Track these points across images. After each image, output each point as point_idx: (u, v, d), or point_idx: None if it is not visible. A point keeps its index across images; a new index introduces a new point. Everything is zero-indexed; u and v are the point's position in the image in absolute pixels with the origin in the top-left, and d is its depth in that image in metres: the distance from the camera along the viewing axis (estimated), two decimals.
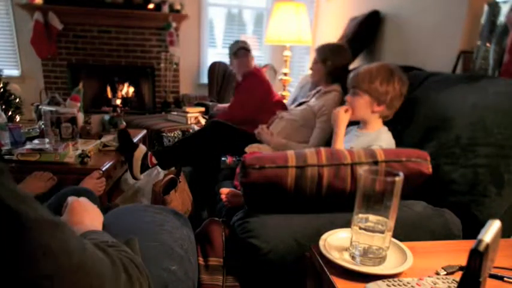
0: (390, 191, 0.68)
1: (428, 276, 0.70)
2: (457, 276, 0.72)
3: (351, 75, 1.39)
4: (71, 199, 0.84)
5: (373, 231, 0.71)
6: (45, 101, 2.22)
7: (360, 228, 0.72)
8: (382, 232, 0.70)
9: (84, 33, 4.05)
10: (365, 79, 1.32)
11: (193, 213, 1.92)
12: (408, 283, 0.66)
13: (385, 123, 1.40)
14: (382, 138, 1.33)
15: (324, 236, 0.82)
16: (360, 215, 0.72)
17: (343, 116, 1.37)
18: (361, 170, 0.70)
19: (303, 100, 2.05)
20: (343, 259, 0.74)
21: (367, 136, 1.36)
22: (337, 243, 0.80)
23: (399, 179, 0.67)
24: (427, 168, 0.94)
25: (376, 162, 0.94)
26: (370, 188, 0.69)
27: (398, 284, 0.66)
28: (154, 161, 1.99)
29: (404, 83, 1.34)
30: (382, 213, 0.70)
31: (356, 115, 1.38)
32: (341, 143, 1.38)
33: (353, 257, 0.74)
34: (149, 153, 1.96)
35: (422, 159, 0.94)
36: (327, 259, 0.74)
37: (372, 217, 0.71)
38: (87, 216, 0.81)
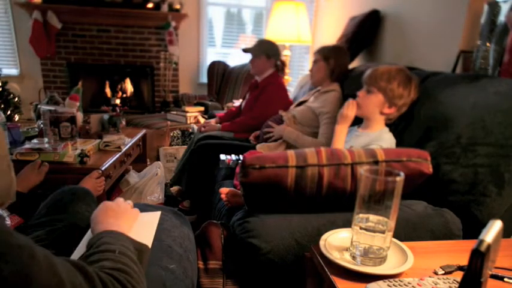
0: (391, 191, 0.67)
1: (429, 277, 0.70)
2: (455, 275, 0.72)
3: (368, 72, 1.35)
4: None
5: (373, 231, 0.71)
6: (44, 100, 2.21)
7: (361, 228, 0.72)
8: (382, 232, 0.70)
9: (83, 33, 4.04)
10: (383, 77, 1.29)
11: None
12: (409, 283, 0.66)
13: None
14: (383, 139, 1.32)
15: (324, 236, 0.82)
16: (361, 215, 0.71)
17: (351, 113, 1.35)
18: (362, 170, 0.70)
19: (302, 99, 2.05)
20: (343, 259, 0.74)
21: (368, 136, 1.36)
22: (338, 243, 0.80)
23: (400, 178, 0.67)
24: (428, 168, 0.94)
25: (376, 162, 0.93)
26: (371, 188, 0.68)
27: (399, 285, 0.66)
28: (186, 204, 2.12)
29: (418, 92, 1.32)
30: (382, 213, 0.69)
31: (363, 111, 1.35)
32: (342, 141, 1.37)
33: (354, 257, 0.74)
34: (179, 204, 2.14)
35: (422, 159, 0.94)
36: (327, 259, 0.74)
37: (373, 217, 0.70)
38: (119, 218, 0.83)
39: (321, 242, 0.79)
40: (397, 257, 0.76)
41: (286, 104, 2.26)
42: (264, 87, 2.31)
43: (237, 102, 3.21)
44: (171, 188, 2.30)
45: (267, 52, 2.29)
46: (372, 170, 0.69)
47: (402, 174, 0.68)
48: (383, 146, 1.28)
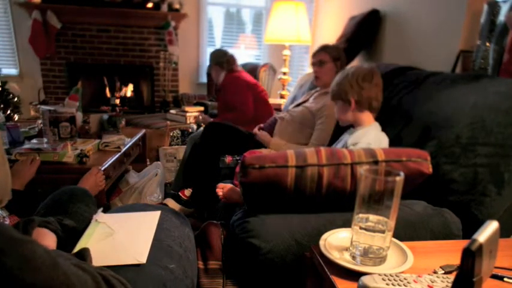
0: (391, 191, 0.67)
1: (428, 274, 0.70)
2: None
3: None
4: None
5: (373, 231, 0.71)
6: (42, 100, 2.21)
7: (361, 228, 0.72)
8: (382, 232, 0.70)
9: (83, 32, 4.03)
10: (331, 89, 1.45)
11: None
12: (405, 279, 0.65)
13: (384, 122, 1.40)
14: (369, 135, 1.33)
15: (324, 236, 0.82)
16: (361, 215, 0.71)
17: None
18: (362, 170, 0.70)
19: (301, 100, 2.05)
20: (343, 259, 0.74)
21: (357, 132, 1.37)
22: (338, 243, 0.80)
23: (400, 178, 0.67)
24: (428, 167, 0.94)
25: (376, 162, 0.93)
26: (371, 188, 0.68)
27: (395, 279, 0.65)
28: (187, 193, 2.12)
29: (360, 74, 1.36)
30: (382, 213, 0.69)
31: (342, 120, 1.47)
32: None
33: (353, 257, 0.74)
34: (180, 192, 2.11)
35: (422, 159, 0.94)
36: (327, 259, 0.74)
37: (372, 217, 0.70)
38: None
39: (321, 242, 0.79)
40: (397, 257, 0.75)
41: (251, 86, 2.61)
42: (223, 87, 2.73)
43: None
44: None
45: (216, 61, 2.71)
46: (372, 169, 0.69)
47: (402, 174, 0.68)
48: (370, 143, 1.29)
